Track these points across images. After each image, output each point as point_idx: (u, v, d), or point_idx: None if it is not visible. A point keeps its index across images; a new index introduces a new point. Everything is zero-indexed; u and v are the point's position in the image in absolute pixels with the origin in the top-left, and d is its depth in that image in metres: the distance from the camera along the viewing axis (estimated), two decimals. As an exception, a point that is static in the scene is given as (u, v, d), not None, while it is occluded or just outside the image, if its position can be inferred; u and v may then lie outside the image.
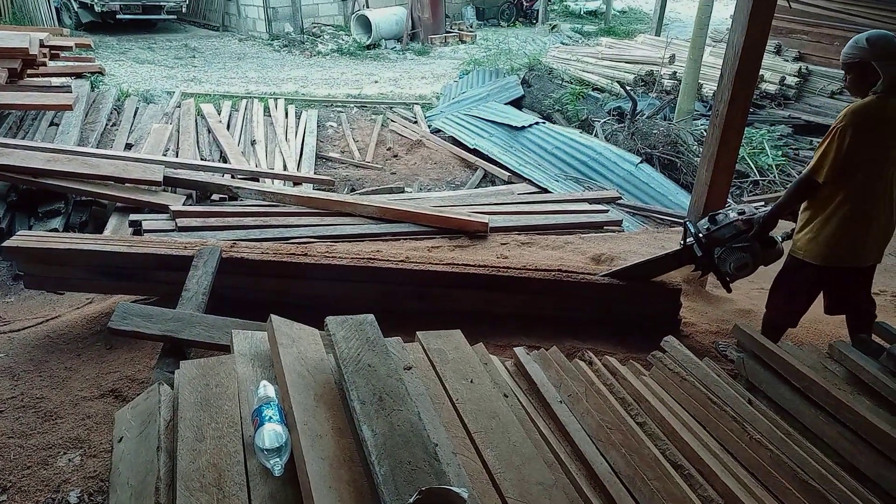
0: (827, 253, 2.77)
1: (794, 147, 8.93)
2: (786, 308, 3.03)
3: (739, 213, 3.01)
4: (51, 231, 4.67)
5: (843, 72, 2.76)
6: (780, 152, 8.62)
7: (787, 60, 10.36)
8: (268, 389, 1.73)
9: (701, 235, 3.05)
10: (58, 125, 6.75)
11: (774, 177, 8.20)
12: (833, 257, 2.78)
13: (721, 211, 3.15)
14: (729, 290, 3.17)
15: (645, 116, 8.88)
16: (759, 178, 8.16)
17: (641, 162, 7.62)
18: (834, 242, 2.74)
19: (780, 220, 2.98)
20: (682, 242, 3.22)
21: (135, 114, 7.77)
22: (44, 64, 7.74)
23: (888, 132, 2.61)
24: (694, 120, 9.12)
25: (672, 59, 10.67)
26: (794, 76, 9.84)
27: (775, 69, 9.91)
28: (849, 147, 2.59)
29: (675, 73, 10.26)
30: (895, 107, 2.58)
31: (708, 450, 2.03)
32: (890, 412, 2.13)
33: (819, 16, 10.95)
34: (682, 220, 4.83)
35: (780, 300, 3.03)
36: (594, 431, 2.08)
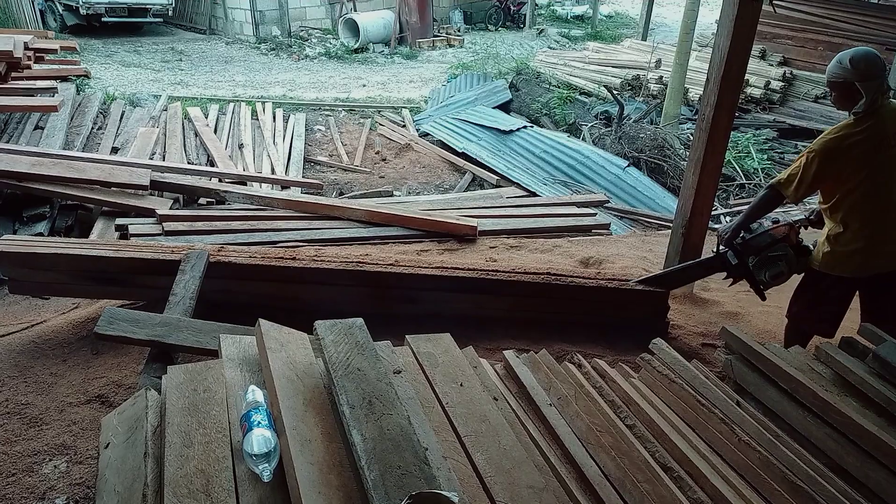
0: (842, 263, 2.80)
1: (779, 151, 9.02)
2: (810, 316, 3.03)
3: (774, 222, 3.03)
4: (36, 235, 4.62)
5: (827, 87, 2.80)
6: (765, 156, 8.71)
7: (772, 65, 10.47)
8: (256, 394, 1.72)
9: (736, 243, 3.07)
10: (43, 128, 6.69)
11: (760, 180, 8.28)
12: (848, 267, 2.80)
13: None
14: (763, 298, 3.17)
15: (632, 120, 8.95)
16: (745, 181, 8.24)
17: (629, 166, 7.67)
18: (848, 253, 2.77)
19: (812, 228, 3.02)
20: (714, 250, 3.23)
21: (121, 117, 7.71)
22: (28, 67, 7.66)
23: (868, 151, 2.64)
24: (680, 124, 9.20)
25: (658, 63, 10.75)
26: (779, 81, 9.94)
27: (760, 74, 10.02)
28: (814, 175, 2.69)
29: (661, 77, 10.34)
30: (875, 126, 2.62)
31: (697, 452, 2.04)
32: (877, 413, 2.15)
33: (803, 21, 11.08)
34: (669, 224, 4.86)
35: (804, 308, 3.04)
36: (584, 434, 2.08)
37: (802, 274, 3.04)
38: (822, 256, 2.87)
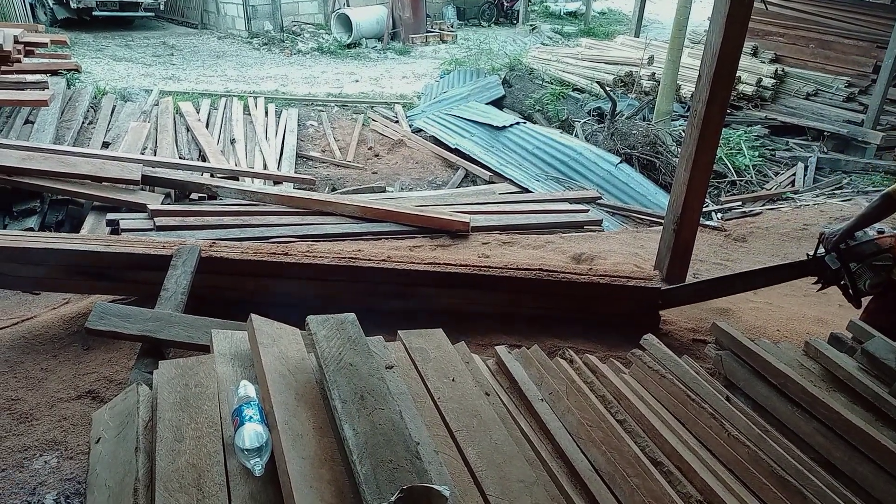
0: None
1: (770, 148, 9.05)
2: (887, 321, 2.95)
3: (879, 232, 2.99)
4: (26, 230, 4.60)
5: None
6: (756, 153, 8.73)
7: (764, 62, 10.49)
8: (248, 389, 1.72)
9: (843, 247, 3.01)
10: (33, 123, 6.64)
11: (751, 177, 8.31)
12: None
13: None
14: (859, 306, 3.09)
15: (624, 117, 8.96)
16: (736, 178, 8.27)
17: (621, 162, 7.68)
18: None
19: None
20: (809, 254, 3.18)
21: (112, 112, 7.67)
22: (18, 60, 7.60)
23: None
24: (672, 121, 9.22)
25: (651, 60, 10.76)
26: (771, 78, 9.96)
27: (752, 71, 10.03)
28: None
29: (653, 73, 10.35)
30: None
31: (687, 446, 2.05)
32: (864, 408, 2.17)
33: (795, 18, 11.11)
34: (661, 220, 4.87)
35: (879, 314, 2.98)
36: (575, 429, 2.09)
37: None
38: None
